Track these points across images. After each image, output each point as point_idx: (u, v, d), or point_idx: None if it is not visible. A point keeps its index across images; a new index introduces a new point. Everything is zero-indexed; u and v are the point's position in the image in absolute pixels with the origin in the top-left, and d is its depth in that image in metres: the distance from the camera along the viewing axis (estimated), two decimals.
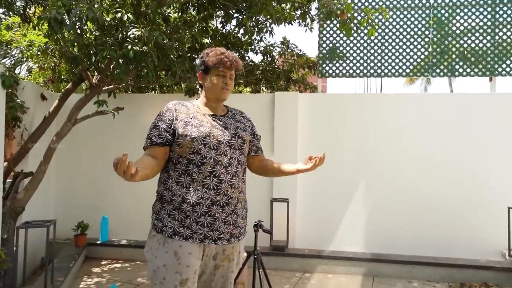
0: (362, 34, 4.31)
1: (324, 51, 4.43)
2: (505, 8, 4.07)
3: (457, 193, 3.83)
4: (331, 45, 4.41)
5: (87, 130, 4.19)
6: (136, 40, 2.88)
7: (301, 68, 5.47)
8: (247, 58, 5.01)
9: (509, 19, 4.06)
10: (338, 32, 4.37)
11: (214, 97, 1.67)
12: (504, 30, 4.06)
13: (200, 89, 1.75)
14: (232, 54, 1.67)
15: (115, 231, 4.27)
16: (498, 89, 4.21)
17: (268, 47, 5.06)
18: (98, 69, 3.51)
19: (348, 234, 4.00)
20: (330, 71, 4.42)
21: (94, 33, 3.69)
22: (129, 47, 2.85)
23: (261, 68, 5.12)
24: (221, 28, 4.71)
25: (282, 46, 5.24)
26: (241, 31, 4.42)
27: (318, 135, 4.16)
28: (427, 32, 4.23)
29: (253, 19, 4.38)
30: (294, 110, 4.14)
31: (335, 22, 4.34)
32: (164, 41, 3.24)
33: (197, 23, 4.31)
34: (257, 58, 5.92)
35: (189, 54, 4.54)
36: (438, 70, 4.21)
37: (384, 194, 3.99)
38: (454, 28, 4.20)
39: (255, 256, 2.72)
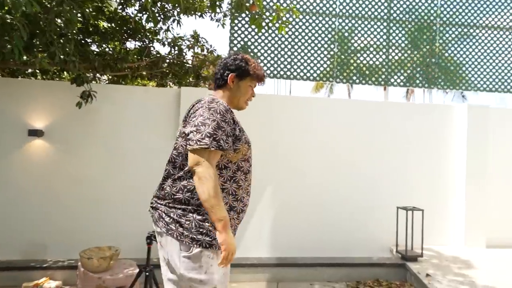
0: (273, 35, 4.28)
1: (236, 48, 4.25)
2: (397, 31, 4.47)
3: (354, 194, 4.04)
4: (242, 42, 4.25)
5: None
6: None
7: (212, 65, 5.22)
8: (152, 48, 4.54)
9: (400, 41, 4.48)
10: (250, 30, 4.24)
11: (236, 105, 1.61)
12: (394, 48, 4.47)
13: (220, 88, 1.60)
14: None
15: None
16: (390, 98, 4.61)
17: (176, 39, 4.66)
18: None
19: (254, 239, 3.86)
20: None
21: None
22: None
23: (167, 61, 4.69)
24: (121, 11, 4.14)
25: (192, 40, 4.91)
26: (144, 17, 3.95)
27: None
28: (332, 46, 4.39)
29: (159, 6, 3.96)
30: None
31: (247, 19, 4.21)
32: (39, 13, 2.62)
33: (91, 1, 3.70)
34: (164, 50, 5.43)
35: (79, 37, 3.88)
36: (341, 77, 4.41)
37: (291, 197, 3.97)
38: (355, 44, 4.46)
39: (147, 273, 2.33)
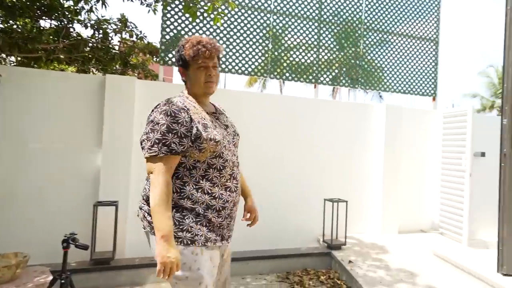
0: (208, 26, 4.16)
1: (168, 36, 4.03)
2: (326, 32, 4.69)
3: (284, 188, 4.17)
4: (175, 31, 4.05)
5: None
6: None
7: (142, 52, 4.89)
8: (72, 29, 4.07)
9: (329, 41, 4.72)
10: (183, 18, 4.06)
11: (201, 93, 1.51)
12: (324, 48, 4.70)
13: (184, 84, 1.57)
14: (210, 39, 1.50)
15: None
16: (320, 95, 4.84)
17: (101, 22, 4.25)
18: None
19: None
20: (174, 59, 4.06)
21: None
22: None
23: (90, 45, 4.26)
24: None
25: (119, 24, 4.53)
26: None
27: None
28: (266, 42, 4.44)
29: None
30: (130, 97, 3.57)
31: (180, 7, 4.02)
32: None
33: None
34: (86, 33, 4.92)
35: None
36: (275, 73, 4.49)
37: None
38: (288, 41, 4.56)
39: (63, 281, 2.09)
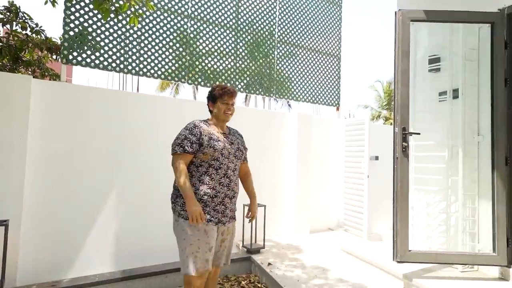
0: (120, 25, 3.87)
1: (72, 33, 3.62)
2: (243, 41, 4.82)
3: None
4: (81, 27, 3.66)
5: None
6: None
7: (38, 48, 4.28)
8: None
9: (244, 50, 4.85)
10: (91, 14, 3.70)
11: (222, 119, 2.36)
12: (238, 56, 4.82)
13: (210, 113, 2.42)
14: (232, 87, 2.39)
15: None
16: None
17: None
18: None
19: (94, 254, 3.39)
20: (79, 58, 3.66)
21: None
22: None
23: None
24: None
25: (8, 13, 3.90)
26: None
27: (57, 133, 3.30)
28: (183, 47, 4.35)
29: None
30: (24, 99, 3.09)
31: (87, 1, 3.66)
32: None
33: None
34: None
35: None
36: (187, 78, 4.42)
37: (138, 201, 3.69)
38: (200, 47, 4.52)
39: None
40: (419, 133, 3.18)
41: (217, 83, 4.61)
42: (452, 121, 3.55)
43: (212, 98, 2.37)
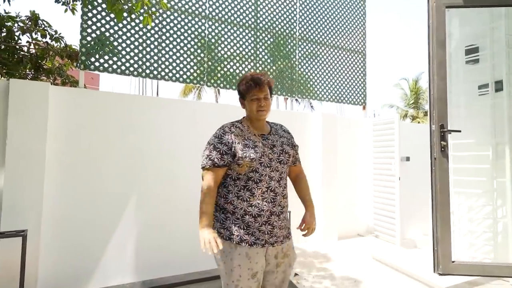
0: (137, 28, 3.80)
1: (90, 38, 3.57)
2: (262, 41, 4.64)
3: None
4: (98, 32, 3.61)
5: None
6: None
7: (59, 56, 4.30)
8: None
9: (264, 52, 4.67)
10: (108, 19, 3.64)
11: (255, 118, 1.87)
12: (261, 56, 4.64)
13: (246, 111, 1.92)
14: (261, 74, 1.82)
15: None
16: None
17: (3, 18, 3.62)
18: None
19: (115, 264, 3.29)
20: (97, 64, 3.60)
21: None
22: None
23: None
24: None
25: (29, 22, 3.92)
26: None
27: (78, 140, 3.24)
28: (202, 47, 4.23)
29: None
30: (43, 106, 3.05)
31: (104, 6, 3.61)
32: None
33: None
34: None
35: None
36: (212, 81, 4.28)
37: (159, 209, 3.57)
38: (222, 52, 4.38)
39: None
40: (459, 131, 2.87)
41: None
42: (495, 116, 3.21)
43: (241, 95, 1.91)
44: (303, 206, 2.07)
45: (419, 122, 22.04)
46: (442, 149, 2.83)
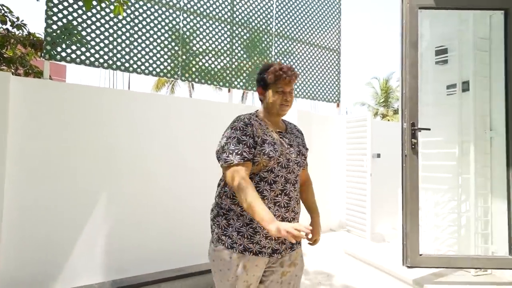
0: (107, 18, 3.63)
1: (55, 26, 3.37)
2: (238, 37, 4.59)
3: (198, 199, 3.85)
4: (65, 20, 3.41)
5: None
6: None
7: (22, 44, 4.03)
8: None
9: (240, 47, 4.62)
10: (76, 6, 3.45)
11: (275, 113, 1.68)
12: (237, 51, 4.59)
13: (261, 102, 1.75)
14: (291, 67, 1.66)
15: None
16: (223, 99, 4.68)
17: None
18: None
19: (83, 263, 3.15)
20: (64, 54, 3.41)
21: None
22: None
23: None
24: None
25: None
26: None
27: (42, 135, 3.06)
28: (175, 42, 4.11)
29: None
30: (3, 98, 2.85)
31: None
32: None
33: None
34: None
35: None
36: (186, 75, 4.19)
37: (130, 207, 3.45)
38: (197, 45, 4.29)
39: None
40: (429, 129, 2.98)
41: (218, 80, 4.38)
42: (462, 115, 3.35)
43: (264, 83, 1.68)
44: (308, 213, 1.95)
45: (388, 120, 22.83)
46: (413, 146, 2.92)
